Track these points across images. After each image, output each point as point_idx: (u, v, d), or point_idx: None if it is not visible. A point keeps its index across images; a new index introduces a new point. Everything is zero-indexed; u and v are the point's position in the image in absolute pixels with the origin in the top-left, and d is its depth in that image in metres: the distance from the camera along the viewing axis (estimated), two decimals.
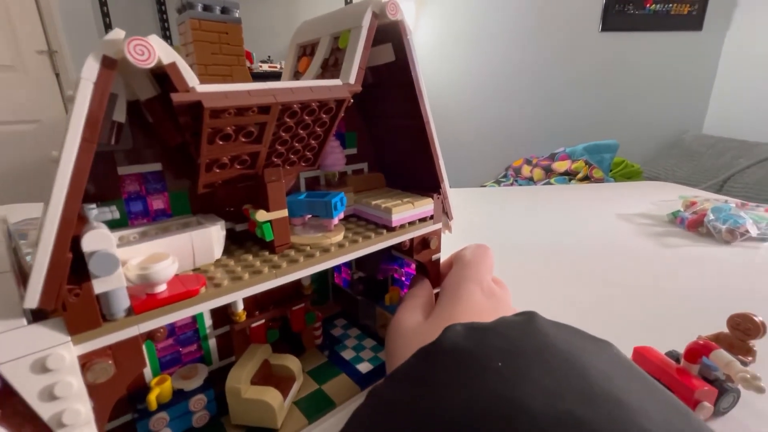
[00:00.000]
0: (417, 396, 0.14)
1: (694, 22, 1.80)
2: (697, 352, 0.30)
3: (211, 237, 0.21)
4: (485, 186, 1.67)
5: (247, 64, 0.95)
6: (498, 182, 1.84)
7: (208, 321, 0.25)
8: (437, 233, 0.29)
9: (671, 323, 0.40)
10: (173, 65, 0.16)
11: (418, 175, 0.30)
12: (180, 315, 0.18)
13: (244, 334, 0.26)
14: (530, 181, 1.72)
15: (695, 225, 0.60)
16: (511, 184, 1.76)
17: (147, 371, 0.23)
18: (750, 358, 0.30)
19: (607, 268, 0.52)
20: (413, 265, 0.32)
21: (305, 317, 0.29)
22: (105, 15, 1.67)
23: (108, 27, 1.70)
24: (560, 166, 1.66)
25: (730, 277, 0.48)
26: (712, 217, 0.58)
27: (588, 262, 0.54)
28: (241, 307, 0.24)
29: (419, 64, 0.25)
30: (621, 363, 0.14)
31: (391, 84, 0.27)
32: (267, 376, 0.25)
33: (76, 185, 0.14)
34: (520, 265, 0.55)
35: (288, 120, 0.20)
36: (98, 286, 0.15)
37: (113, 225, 0.20)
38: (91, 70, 0.14)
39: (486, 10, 1.90)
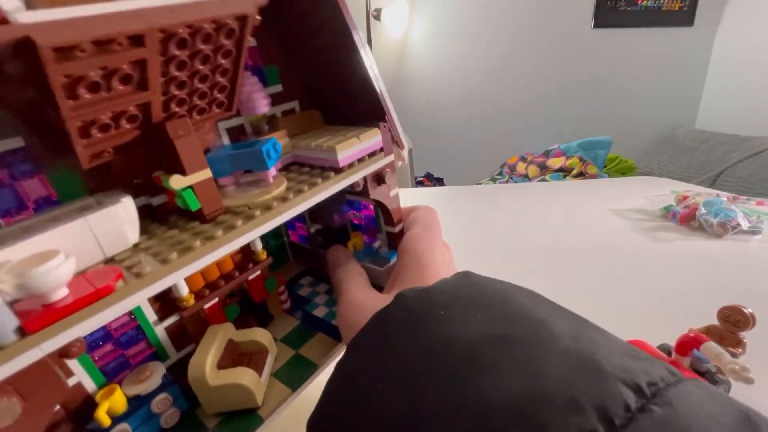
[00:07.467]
0: (378, 360, 0.16)
1: (685, 17, 1.80)
2: (688, 344, 0.29)
3: (117, 218, 0.16)
4: (481, 183, 1.66)
5: None
6: (493, 179, 1.83)
7: (149, 314, 0.22)
8: (391, 166, 0.26)
9: (663, 316, 0.39)
10: None
11: (358, 105, 0.26)
12: (96, 322, 0.14)
13: (200, 318, 0.23)
14: (525, 178, 1.71)
15: (687, 219, 0.60)
16: (507, 182, 1.75)
17: (90, 385, 0.20)
18: (740, 350, 0.29)
19: (600, 262, 0.52)
20: (371, 206, 0.29)
21: (265, 284, 0.27)
22: None
23: None
24: (555, 162, 1.66)
25: (721, 270, 0.48)
26: (703, 211, 0.58)
27: (582, 257, 0.53)
28: (185, 290, 0.21)
29: None
30: (536, 296, 0.18)
31: None
32: (235, 355, 0.23)
33: None
34: (515, 261, 0.54)
35: (177, 52, 0.15)
36: None
37: None
38: None
39: (479, 8, 1.89)
